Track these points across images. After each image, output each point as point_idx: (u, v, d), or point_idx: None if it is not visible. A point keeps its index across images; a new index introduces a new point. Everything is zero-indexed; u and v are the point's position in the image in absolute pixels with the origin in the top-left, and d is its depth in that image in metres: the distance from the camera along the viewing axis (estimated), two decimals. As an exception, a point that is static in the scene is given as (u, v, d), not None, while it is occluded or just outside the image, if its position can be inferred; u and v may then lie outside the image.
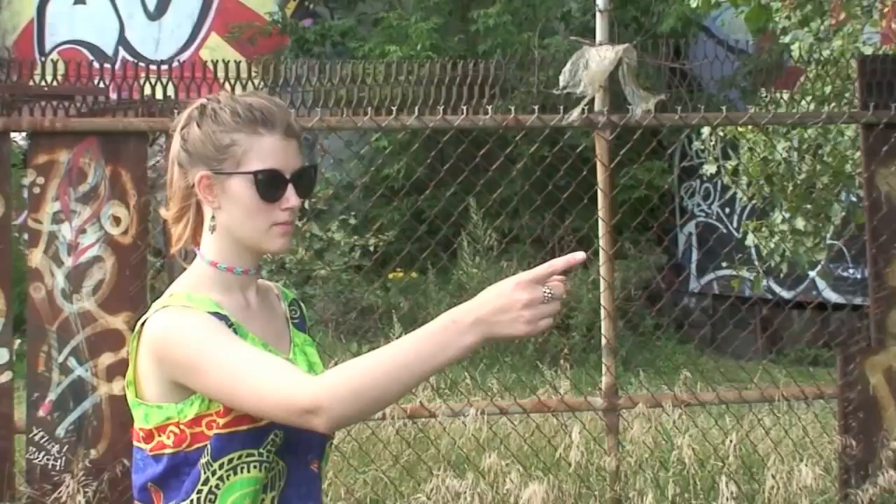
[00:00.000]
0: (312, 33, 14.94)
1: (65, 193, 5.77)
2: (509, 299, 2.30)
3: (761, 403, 6.51)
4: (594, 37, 6.12)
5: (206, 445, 2.57)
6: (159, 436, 2.61)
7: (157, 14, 15.87)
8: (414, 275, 11.93)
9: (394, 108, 5.85)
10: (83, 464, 5.60)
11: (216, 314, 2.58)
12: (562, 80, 5.84)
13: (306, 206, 12.65)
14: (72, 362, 5.72)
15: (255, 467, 2.58)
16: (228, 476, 2.58)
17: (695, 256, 13.85)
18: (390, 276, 12.09)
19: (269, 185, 2.61)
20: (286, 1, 15.91)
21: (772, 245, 6.95)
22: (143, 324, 2.61)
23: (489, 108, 5.93)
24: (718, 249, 10.94)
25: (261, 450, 2.58)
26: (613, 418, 6.10)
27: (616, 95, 6.16)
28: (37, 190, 5.76)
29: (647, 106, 5.80)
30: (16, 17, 16.41)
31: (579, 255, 2.35)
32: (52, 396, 5.72)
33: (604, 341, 6.16)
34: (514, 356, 10.95)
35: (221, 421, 2.56)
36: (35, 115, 5.98)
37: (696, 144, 6.96)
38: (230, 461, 2.57)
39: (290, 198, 2.64)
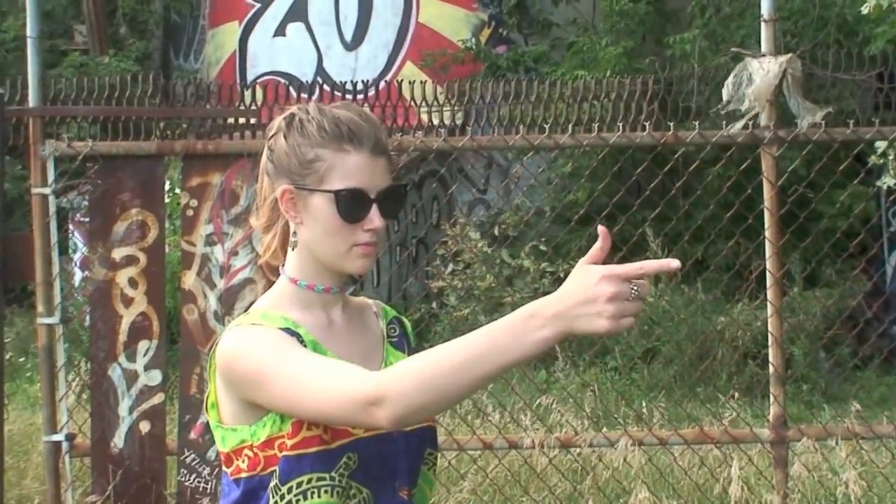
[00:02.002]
0: (506, 60, 14.89)
1: (217, 216, 5.76)
2: (594, 292, 2.13)
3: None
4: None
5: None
6: (236, 459, 2.51)
7: (353, 44, 16.06)
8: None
9: (546, 126, 5.66)
10: (230, 488, 5.55)
11: (287, 330, 2.46)
12: (725, 94, 5.56)
13: (496, 233, 12.58)
14: (223, 385, 5.68)
15: (326, 492, 2.43)
16: (298, 501, 2.44)
17: (904, 285, 13.20)
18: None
19: (351, 204, 2.48)
20: (480, 28, 15.92)
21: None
22: (216, 344, 2.51)
23: (647, 124, 5.68)
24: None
25: (333, 473, 2.44)
26: (782, 451, 5.76)
27: (783, 109, 5.85)
28: (190, 212, 5.77)
29: (813, 118, 5.46)
30: (219, 50, 16.84)
31: (674, 263, 2.15)
32: (203, 419, 5.70)
33: (771, 369, 5.83)
34: (707, 387, 10.59)
35: (290, 442, 2.43)
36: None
37: (872, 159, 6.56)
38: (299, 485, 2.43)
39: (374, 219, 2.49)
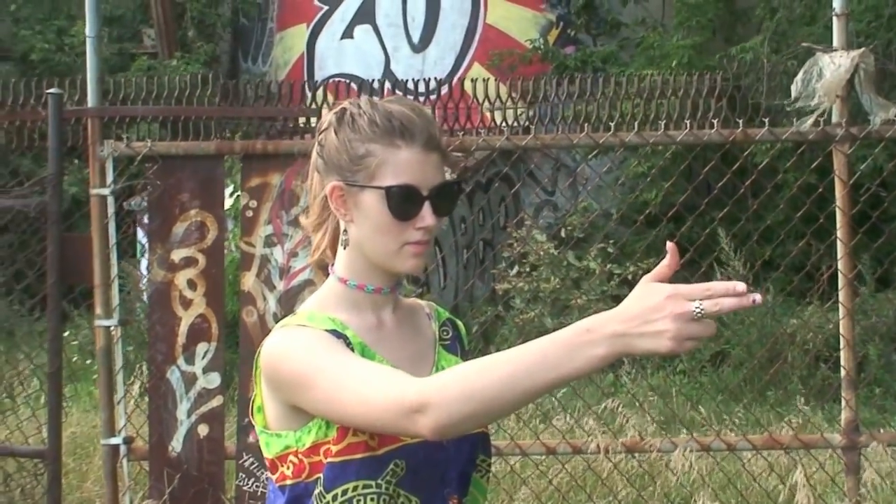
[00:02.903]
0: (574, 60, 14.77)
1: (277, 216, 5.69)
2: (656, 310, 2.02)
3: None
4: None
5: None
6: (281, 466, 2.44)
7: (421, 46, 16.00)
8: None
9: (611, 125, 5.54)
10: (289, 491, 5.48)
11: (333, 332, 2.37)
12: (793, 90, 5.41)
13: (563, 234, 12.43)
14: (283, 388, 5.61)
15: (372, 500, 2.35)
16: None
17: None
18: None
19: (402, 201, 2.39)
20: (548, 29, 15.81)
21: None
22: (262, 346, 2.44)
23: (714, 121, 5.54)
24: None
25: (379, 481, 2.35)
26: (854, 457, 5.59)
27: (856, 106, 5.68)
28: (249, 213, 5.71)
29: (886, 115, 5.29)
30: (287, 53, 16.86)
31: (740, 286, 2.03)
32: (261, 422, 5.62)
33: (843, 373, 5.66)
34: (778, 391, 10.40)
35: (335, 448, 2.35)
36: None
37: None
38: (344, 492, 2.35)
39: (426, 216, 2.40)
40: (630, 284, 11.71)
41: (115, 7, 17.12)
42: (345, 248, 2.49)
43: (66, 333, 11.09)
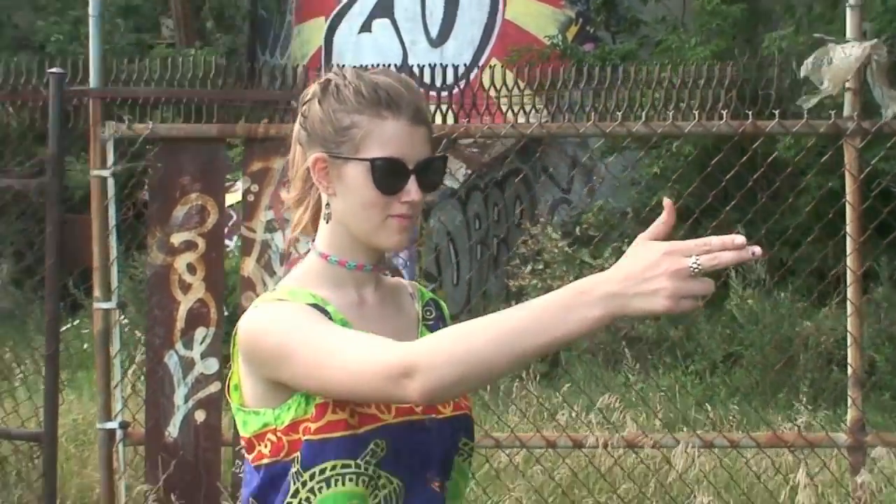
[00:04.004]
0: (592, 57, 14.66)
1: (278, 201, 5.61)
2: (652, 268, 1.96)
3: None
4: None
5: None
6: (259, 444, 2.37)
7: (439, 41, 15.95)
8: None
9: (619, 114, 5.45)
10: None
11: (315, 307, 2.31)
12: (802, 70, 5.34)
13: (577, 232, 12.33)
14: (281, 374, 5.53)
15: (351, 480, 2.28)
16: (321, 488, 2.28)
17: None
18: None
19: (387, 174, 2.32)
20: (567, 25, 15.72)
21: None
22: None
23: (724, 112, 5.45)
24: None
25: (358, 461, 2.28)
26: (859, 457, 5.49)
27: (871, 102, 5.58)
28: (251, 198, 5.64)
29: (898, 107, 5.21)
30: (305, 46, 16.83)
31: (738, 239, 1.98)
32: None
33: (849, 371, 5.57)
34: (791, 392, 10.31)
35: (313, 426, 2.28)
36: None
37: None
38: (322, 472, 2.28)
39: (412, 191, 2.34)
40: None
41: (132, -2, 17.12)
42: (327, 222, 2.42)
43: (76, 322, 11.05)
